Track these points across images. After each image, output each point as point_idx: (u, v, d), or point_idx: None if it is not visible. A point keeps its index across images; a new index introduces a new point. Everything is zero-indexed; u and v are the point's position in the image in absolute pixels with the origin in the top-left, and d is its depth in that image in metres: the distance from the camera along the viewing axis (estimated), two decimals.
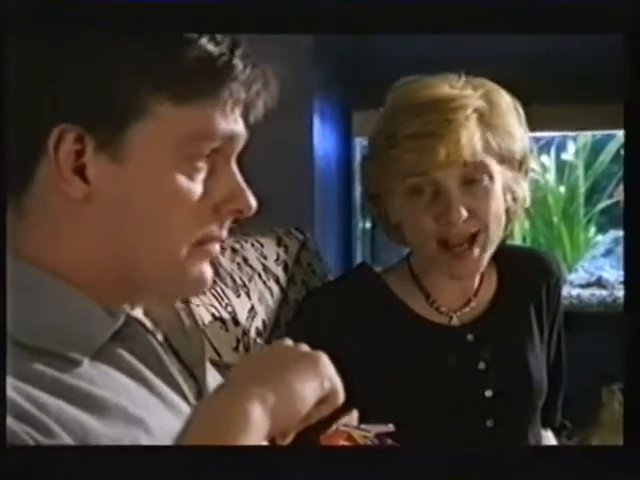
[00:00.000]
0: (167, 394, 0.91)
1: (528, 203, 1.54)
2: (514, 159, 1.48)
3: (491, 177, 1.45)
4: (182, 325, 0.98)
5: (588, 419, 2.25)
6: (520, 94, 1.51)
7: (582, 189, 2.92)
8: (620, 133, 2.85)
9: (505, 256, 1.58)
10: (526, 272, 1.61)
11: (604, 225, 2.93)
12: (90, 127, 0.83)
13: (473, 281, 1.55)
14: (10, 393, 0.77)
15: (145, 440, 0.84)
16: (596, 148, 2.90)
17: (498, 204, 1.46)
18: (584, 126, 2.77)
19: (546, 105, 2.48)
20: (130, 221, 0.86)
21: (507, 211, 1.50)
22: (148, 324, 0.95)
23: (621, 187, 2.78)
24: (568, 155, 2.92)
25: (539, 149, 2.89)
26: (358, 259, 2.70)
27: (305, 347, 0.93)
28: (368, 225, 2.71)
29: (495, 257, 1.55)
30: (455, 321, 1.53)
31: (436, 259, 1.47)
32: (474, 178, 1.43)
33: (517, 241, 2.84)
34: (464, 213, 1.42)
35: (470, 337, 1.52)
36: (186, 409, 0.91)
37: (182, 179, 0.86)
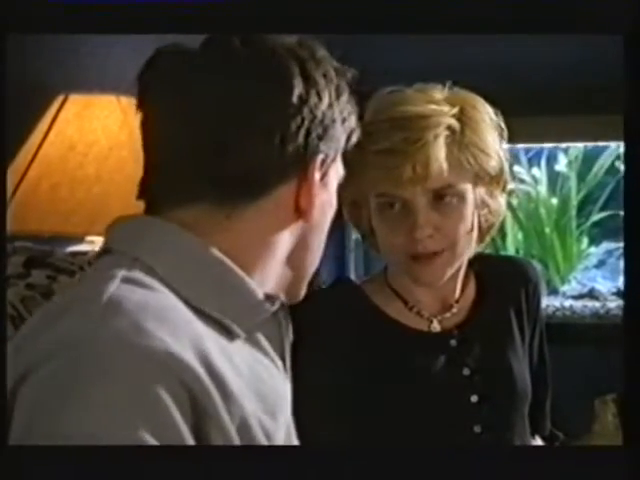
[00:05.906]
0: (280, 369, 1.03)
1: (504, 215, 1.53)
2: (488, 175, 1.46)
3: (461, 196, 1.43)
4: None
5: (581, 431, 2.24)
6: (506, 105, 1.50)
7: (574, 201, 2.92)
8: (614, 145, 2.86)
9: (483, 264, 1.58)
10: (504, 278, 1.60)
11: (597, 236, 2.93)
12: (328, 156, 1.00)
13: (453, 288, 1.55)
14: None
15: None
16: (589, 159, 2.91)
17: (467, 222, 1.45)
18: (576, 138, 2.78)
19: (534, 116, 2.49)
20: (318, 230, 1.03)
21: (480, 226, 1.49)
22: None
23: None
24: (561, 166, 2.92)
25: (529, 161, 2.90)
26: (351, 270, 2.70)
27: None
28: None
29: (473, 265, 1.56)
30: (435, 325, 1.53)
31: (403, 267, 1.48)
32: (443, 196, 1.43)
33: (510, 252, 2.84)
34: (429, 231, 1.41)
35: (453, 342, 1.52)
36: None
37: None
